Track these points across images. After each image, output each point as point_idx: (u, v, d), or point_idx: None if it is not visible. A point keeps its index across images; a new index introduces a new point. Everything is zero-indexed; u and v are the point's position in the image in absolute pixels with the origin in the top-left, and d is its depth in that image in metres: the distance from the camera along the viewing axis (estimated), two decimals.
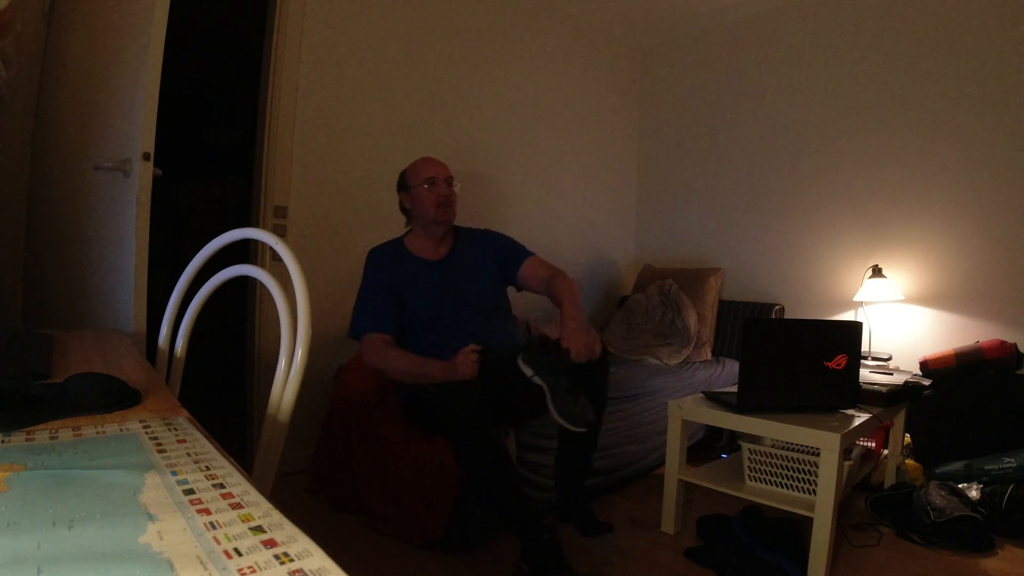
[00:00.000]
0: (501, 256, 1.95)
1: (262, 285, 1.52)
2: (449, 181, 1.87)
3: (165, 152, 1.76)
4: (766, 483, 1.77)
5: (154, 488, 0.45)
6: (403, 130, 2.68)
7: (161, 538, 0.37)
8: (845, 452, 1.63)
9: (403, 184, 1.92)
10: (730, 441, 2.73)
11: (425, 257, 1.90)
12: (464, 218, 2.92)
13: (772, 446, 1.76)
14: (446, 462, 1.70)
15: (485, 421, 1.51)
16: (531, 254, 1.95)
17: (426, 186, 1.84)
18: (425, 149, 2.75)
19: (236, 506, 0.43)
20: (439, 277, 1.86)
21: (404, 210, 1.95)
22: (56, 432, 0.58)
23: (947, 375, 2.34)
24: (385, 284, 1.83)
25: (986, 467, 2.03)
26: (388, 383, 2.03)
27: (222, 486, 0.47)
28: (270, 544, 0.37)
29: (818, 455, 1.58)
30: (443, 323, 1.82)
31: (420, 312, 1.82)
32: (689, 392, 2.54)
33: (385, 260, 1.89)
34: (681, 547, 1.76)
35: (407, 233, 1.98)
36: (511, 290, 2.00)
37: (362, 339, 1.82)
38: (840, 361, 1.77)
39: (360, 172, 2.54)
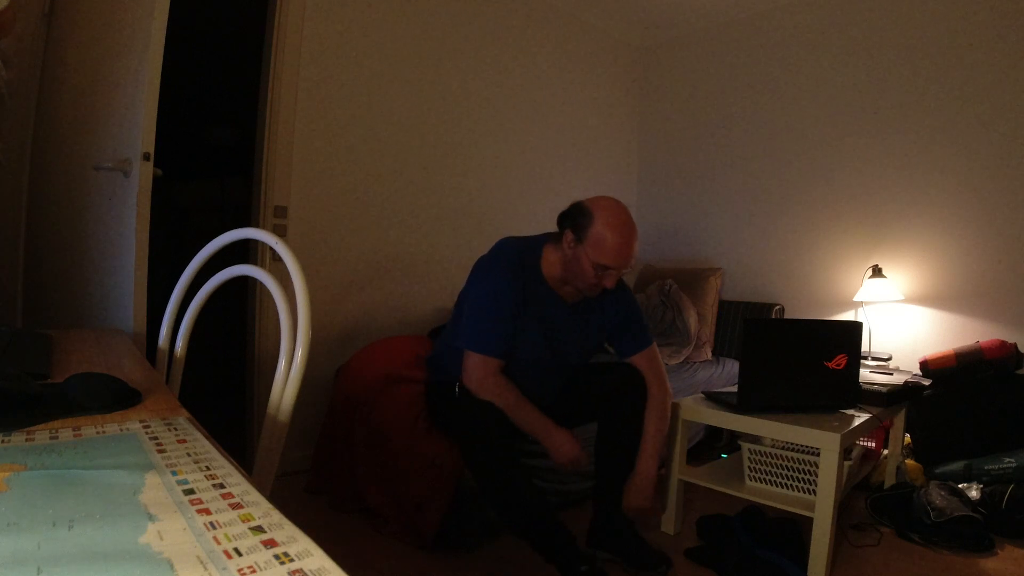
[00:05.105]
0: (621, 326, 1.76)
1: (262, 285, 1.52)
2: (622, 269, 1.61)
3: (165, 152, 1.76)
4: (766, 483, 1.76)
5: (154, 488, 0.45)
6: (403, 129, 2.68)
7: (161, 538, 0.37)
8: (845, 452, 1.63)
9: (578, 228, 1.57)
10: (730, 441, 2.73)
11: (557, 292, 1.67)
12: (461, 214, 2.94)
13: (772, 446, 1.76)
14: (447, 464, 1.70)
15: (504, 448, 1.51)
16: (651, 342, 1.76)
17: (597, 270, 1.56)
18: (424, 148, 2.76)
19: (236, 506, 0.43)
20: (558, 320, 1.67)
21: (561, 236, 1.63)
22: (56, 432, 0.58)
23: (947, 375, 2.34)
24: (515, 301, 1.61)
25: (986, 467, 2.03)
26: (393, 377, 2.02)
27: (222, 486, 0.47)
28: (270, 544, 0.37)
29: (818, 455, 1.58)
30: (536, 367, 1.67)
31: (521, 346, 1.63)
32: (689, 392, 2.54)
33: (520, 274, 1.63)
34: (681, 547, 1.76)
35: (546, 248, 1.68)
36: None
37: (471, 355, 1.59)
38: (840, 361, 1.78)
39: (360, 172, 2.54)
